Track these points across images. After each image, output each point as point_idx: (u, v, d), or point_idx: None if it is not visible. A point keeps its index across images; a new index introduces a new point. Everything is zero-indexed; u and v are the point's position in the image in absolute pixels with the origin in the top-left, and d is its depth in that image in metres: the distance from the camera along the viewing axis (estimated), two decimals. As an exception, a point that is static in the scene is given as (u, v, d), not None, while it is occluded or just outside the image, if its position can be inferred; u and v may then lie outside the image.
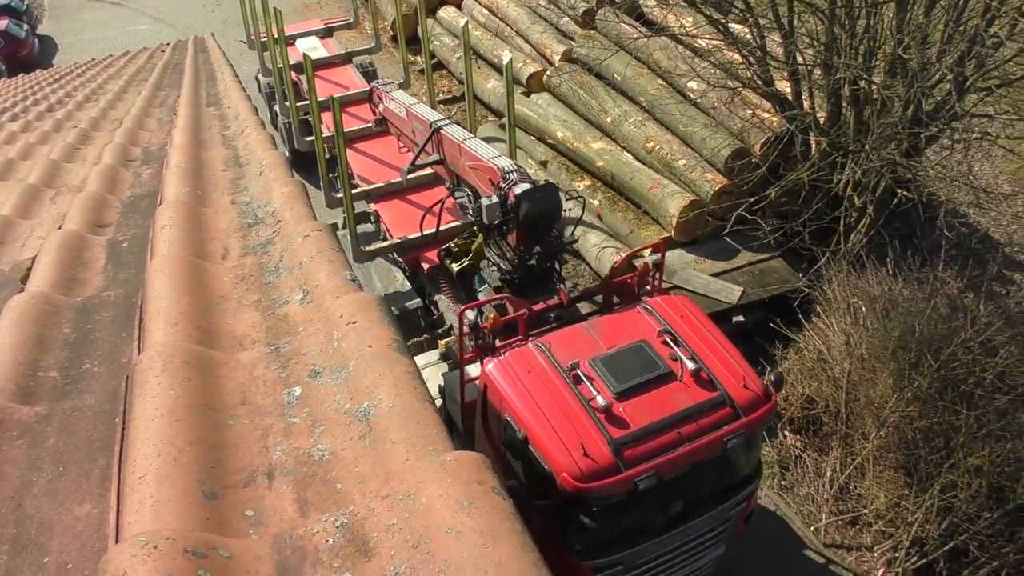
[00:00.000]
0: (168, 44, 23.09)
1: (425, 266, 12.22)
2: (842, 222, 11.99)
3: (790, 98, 12.55)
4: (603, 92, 15.15)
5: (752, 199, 12.34)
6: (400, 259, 12.73)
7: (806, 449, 11.22)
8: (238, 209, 5.39)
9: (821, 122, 12.37)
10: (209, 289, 4.20)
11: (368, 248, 12.39)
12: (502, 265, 9.58)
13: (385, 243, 12.52)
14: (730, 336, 11.71)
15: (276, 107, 17.91)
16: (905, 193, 11.78)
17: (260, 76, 19.56)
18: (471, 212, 10.06)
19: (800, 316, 11.89)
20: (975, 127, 11.41)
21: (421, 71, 20.67)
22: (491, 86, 18.27)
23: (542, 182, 9.46)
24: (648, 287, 8.82)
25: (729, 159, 12.96)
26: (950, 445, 9.95)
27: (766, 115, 13.15)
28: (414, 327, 11.77)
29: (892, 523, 10.20)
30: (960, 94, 10.95)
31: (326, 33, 19.71)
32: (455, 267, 10.99)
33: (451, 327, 11.31)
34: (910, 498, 9.99)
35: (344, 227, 13.24)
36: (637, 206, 13.96)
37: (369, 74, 18.38)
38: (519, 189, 8.90)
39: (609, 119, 14.74)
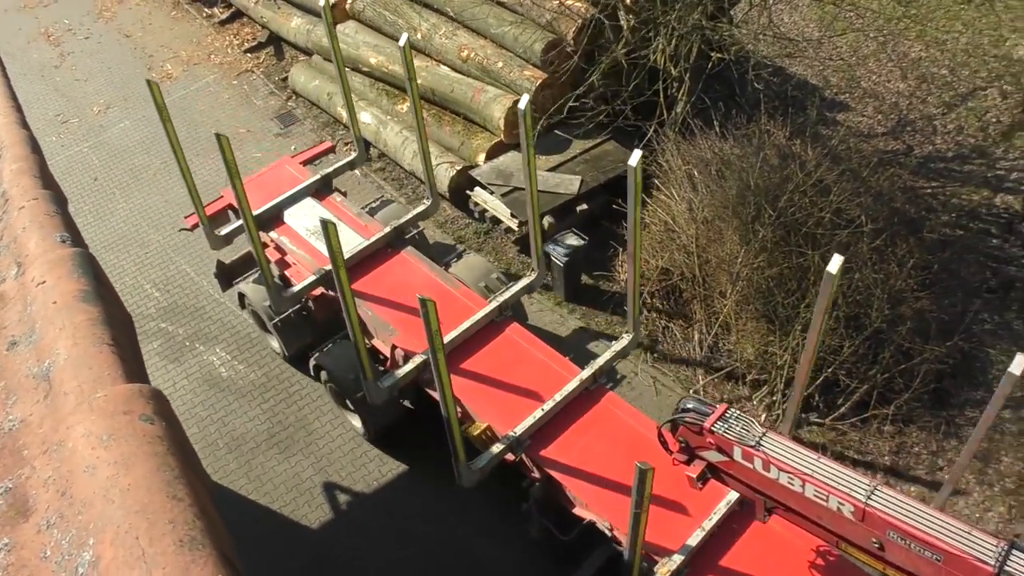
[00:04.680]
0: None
1: None
2: (663, 94, 12.14)
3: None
4: (408, 9, 14.80)
5: (574, 89, 12.39)
6: None
7: (671, 319, 11.51)
8: (-23, 197, 5.05)
9: (627, 0, 12.42)
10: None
11: None
12: None
13: None
14: (578, 225, 11.87)
15: (321, 361, 10.80)
16: (718, 55, 12.01)
17: (243, 287, 12.08)
18: None
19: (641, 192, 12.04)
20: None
21: (221, 23, 19.96)
22: (295, 25, 17.63)
23: None
24: None
25: (544, 52, 12.90)
26: (802, 286, 10.35)
27: (572, 2, 13.11)
28: None
29: (764, 370, 10.61)
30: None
31: (323, 187, 12.01)
32: None
33: None
34: (775, 343, 10.39)
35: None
36: (463, 117, 13.82)
37: (417, 243, 11.61)
38: None
39: (419, 35, 14.44)
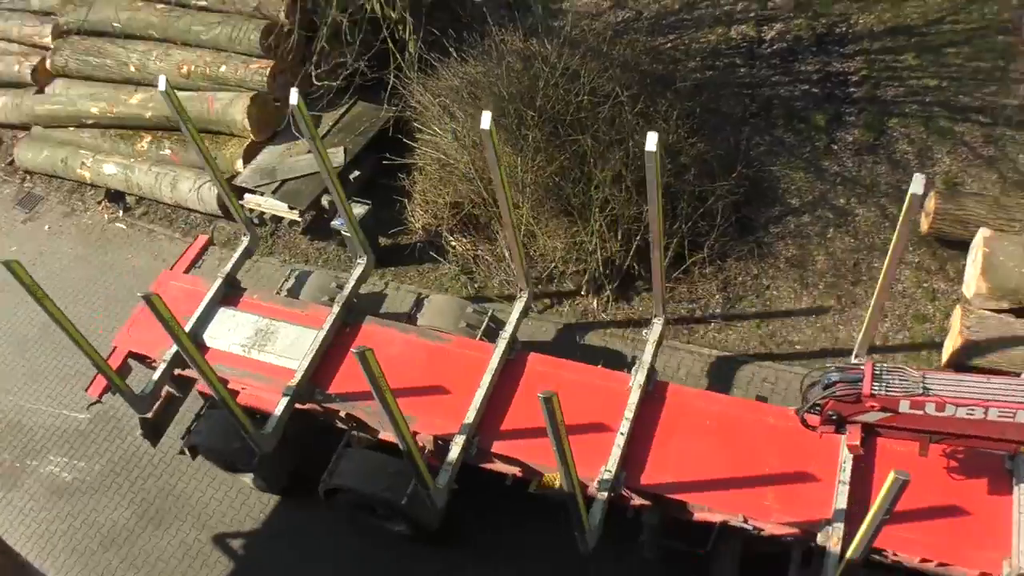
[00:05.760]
0: None
1: None
2: (391, 40, 12.05)
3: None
4: (111, 47, 14.10)
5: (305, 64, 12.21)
6: None
7: (477, 246, 11.54)
8: None
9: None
10: None
11: None
12: None
13: None
14: (358, 192, 11.69)
15: (341, 483, 9.19)
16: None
17: (195, 440, 10.19)
18: None
19: (405, 140, 12.08)
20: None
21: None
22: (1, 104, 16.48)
23: None
24: None
25: (263, 39, 12.58)
26: (585, 172, 10.56)
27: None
28: None
29: (580, 260, 10.81)
30: None
31: (229, 287, 9.91)
32: None
33: None
34: (581, 232, 10.59)
35: None
36: (206, 131, 13.30)
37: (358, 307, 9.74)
38: None
39: (133, 68, 13.79)
